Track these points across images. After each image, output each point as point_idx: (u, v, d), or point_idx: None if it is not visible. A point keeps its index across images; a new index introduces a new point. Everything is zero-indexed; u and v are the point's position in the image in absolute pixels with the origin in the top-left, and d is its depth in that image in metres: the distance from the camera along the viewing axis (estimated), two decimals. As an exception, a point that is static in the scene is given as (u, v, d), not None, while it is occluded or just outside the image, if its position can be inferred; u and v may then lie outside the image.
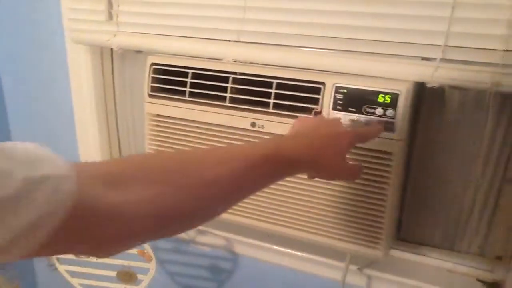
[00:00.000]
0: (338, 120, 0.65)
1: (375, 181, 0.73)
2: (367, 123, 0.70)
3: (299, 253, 0.94)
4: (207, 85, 0.81)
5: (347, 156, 0.60)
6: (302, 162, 0.54)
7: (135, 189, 0.40)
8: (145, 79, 0.87)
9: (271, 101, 0.76)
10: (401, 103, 0.68)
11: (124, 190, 0.39)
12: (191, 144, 0.86)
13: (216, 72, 0.80)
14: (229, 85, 0.79)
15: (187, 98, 0.83)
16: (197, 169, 0.45)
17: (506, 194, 0.78)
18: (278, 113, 0.77)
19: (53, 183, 0.32)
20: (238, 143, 0.81)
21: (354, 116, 0.71)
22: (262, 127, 0.78)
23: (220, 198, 0.47)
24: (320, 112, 0.73)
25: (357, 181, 0.73)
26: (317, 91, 0.73)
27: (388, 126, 0.69)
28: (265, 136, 0.78)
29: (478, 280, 0.82)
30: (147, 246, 1.05)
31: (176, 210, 0.43)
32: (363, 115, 0.70)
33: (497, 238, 0.80)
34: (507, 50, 0.64)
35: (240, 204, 0.83)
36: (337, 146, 0.58)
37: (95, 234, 0.37)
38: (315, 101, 0.73)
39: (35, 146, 0.35)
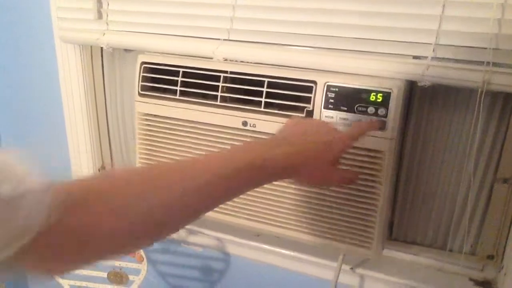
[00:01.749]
0: (330, 125, 0.63)
1: (366, 179, 0.72)
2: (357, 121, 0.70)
3: (291, 253, 0.94)
4: (198, 84, 0.81)
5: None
6: (287, 171, 0.54)
7: (110, 206, 0.39)
8: (136, 78, 0.86)
9: (263, 100, 0.76)
10: (393, 101, 0.68)
11: (96, 209, 0.39)
12: (182, 144, 0.85)
13: (207, 71, 0.80)
14: (220, 84, 0.79)
15: (178, 97, 0.82)
16: (181, 179, 0.45)
17: (497, 193, 0.78)
18: (270, 112, 0.76)
19: (29, 202, 0.32)
20: (230, 142, 0.80)
21: (346, 114, 0.71)
22: (254, 126, 0.78)
23: (205, 203, 0.47)
24: (312, 111, 0.72)
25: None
26: (308, 89, 0.73)
27: (380, 124, 0.69)
28: (257, 136, 0.78)
29: (470, 279, 0.83)
30: (138, 247, 1.04)
31: (161, 223, 0.43)
32: (355, 114, 0.70)
33: (488, 238, 0.80)
34: (497, 49, 0.64)
35: (231, 204, 0.84)
36: (327, 153, 0.57)
37: (67, 251, 0.37)
38: (307, 100, 0.73)
39: (8, 158, 0.34)
